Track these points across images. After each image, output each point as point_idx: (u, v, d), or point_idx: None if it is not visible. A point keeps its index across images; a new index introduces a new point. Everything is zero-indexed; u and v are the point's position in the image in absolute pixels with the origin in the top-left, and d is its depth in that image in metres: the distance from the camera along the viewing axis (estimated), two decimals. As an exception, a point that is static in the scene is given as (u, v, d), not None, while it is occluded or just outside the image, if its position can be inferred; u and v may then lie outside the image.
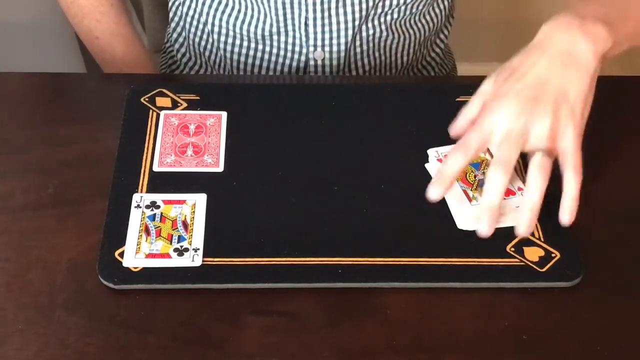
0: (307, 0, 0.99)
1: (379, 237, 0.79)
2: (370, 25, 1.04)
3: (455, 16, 1.17)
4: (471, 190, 0.80)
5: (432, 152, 0.84)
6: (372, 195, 0.82)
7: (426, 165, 0.83)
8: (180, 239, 0.77)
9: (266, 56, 1.06)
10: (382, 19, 1.04)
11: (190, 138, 0.87)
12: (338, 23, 1.02)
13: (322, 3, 1.00)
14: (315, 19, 1.01)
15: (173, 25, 1.14)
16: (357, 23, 1.02)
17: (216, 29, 1.06)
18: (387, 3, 1.02)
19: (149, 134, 0.87)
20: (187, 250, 0.76)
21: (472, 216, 0.78)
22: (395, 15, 1.04)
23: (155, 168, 0.84)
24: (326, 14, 1.01)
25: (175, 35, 1.14)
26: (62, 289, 0.74)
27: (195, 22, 1.08)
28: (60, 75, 0.95)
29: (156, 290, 0.74)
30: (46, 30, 1.39)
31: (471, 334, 0.72)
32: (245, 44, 1.06)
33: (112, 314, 0.73)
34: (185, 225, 0.78)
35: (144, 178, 0.83)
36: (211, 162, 0.85)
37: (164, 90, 0.92)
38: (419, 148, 0.87)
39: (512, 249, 0.77)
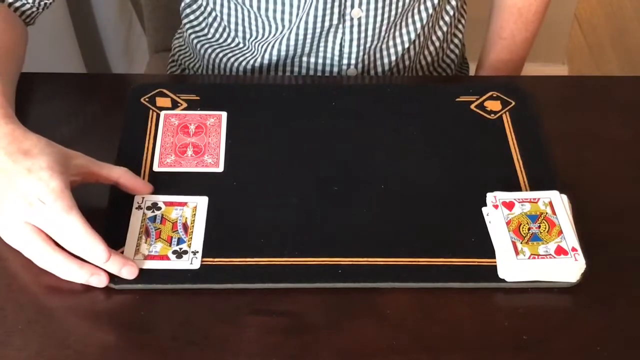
0: (344, 23, 0.99)
1: (379, 237, 0.79)
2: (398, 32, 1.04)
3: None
4: (521, 243, 0.76)
5: (490, 197, 0.80)
6: (372, 195, 0.82)
7: (483, 208, 0.80)
8: (180, 241, 0.77)
9: (296, 69, 1.06)
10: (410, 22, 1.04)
11: (190, 138, 0.87)
12: (372, 42, 1.02)
13: (359, 25, 1.00)
14: (351, 40, 1.01)
15: (183, 43, 1.13)
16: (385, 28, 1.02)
17: (247, 45, 1.05)
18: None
19: (149, 134, 0.87)
20: (186, 252, 0.76)
21: (516, 269, 0.75)
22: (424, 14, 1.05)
23: (155, 168, 0.84)
24: (362, 35, 1.01)
25: (189, 52, 1.14)
26: (62, 289, 0.74)
27: (217, 36, 1.08)
28: (60, 75, 0.95)
29: (156, 291, 0.74)
30: (46, 30, 1.39)
31: (471, 334, 0.72)
32: (277, 63, 1.05)
33: (112, 314, 0.73)
34: (185, 227, 0.78)
35: (144, 178, 0.83)
36: (211, 162, 0.85)
37: (164, 91, 0.92)
38: (419, 148, 0.87)
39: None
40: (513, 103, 0.92)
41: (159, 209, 0.80)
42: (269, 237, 0.78)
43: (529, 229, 0.77)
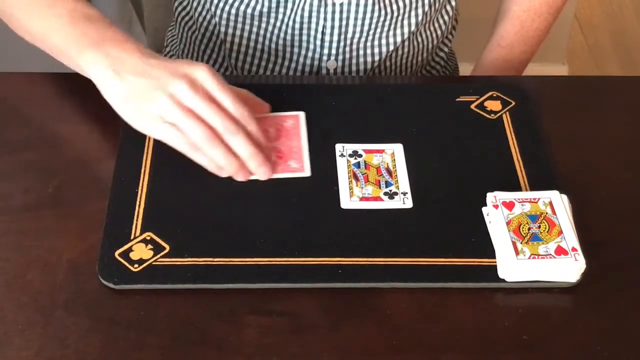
0: (326, 8, 0.99)
1: (379, 237, 0.79)
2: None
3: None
4: (521, 243, 0.76)
5: (490, 197, 0.80)
6: (372, 195, 0.82)
7: (483, 208, 0.80)
8: (388, 184, 0.82)
9: (279, 60, 1.06)
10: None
11: (190, 138, 0.87)
12: (354, 33, 1.02)
13: (340, 12, 1.00)
14: (332, 27, 1.01)
15: (175, 32, 1.13)
16: (372, 32, 1.02)
17: (229, 38, 1.05)
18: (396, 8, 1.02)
19: (149, 134, 0.87)
20: (396, 194, 0.81)
21: (516, 269, 0.75)
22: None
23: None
24: (344, 22, 1.01)
25: (179, 43, 1.13)
26: (62, 289, 0.74)
27: (202, 28, 1.08)
28: (60, 75, 0.95)
29: (156, 290, 0.74)
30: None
31: (471, 334, 0.73)
32: (258, 53, 1.05)
33: (112, 314, 0.73)
34: (389, 171, 0.83)
35: (144, 178, 0.83)
36: (211, 162, 0.85)
37: (164, 90, 0.92)
38: (419, 148, 0.87)
39: None
40: (513, 103, 0.92)
41: (360, 156, 0.84)
42: (269, 237, 0.78)
43: (529, 229, 0.77)
